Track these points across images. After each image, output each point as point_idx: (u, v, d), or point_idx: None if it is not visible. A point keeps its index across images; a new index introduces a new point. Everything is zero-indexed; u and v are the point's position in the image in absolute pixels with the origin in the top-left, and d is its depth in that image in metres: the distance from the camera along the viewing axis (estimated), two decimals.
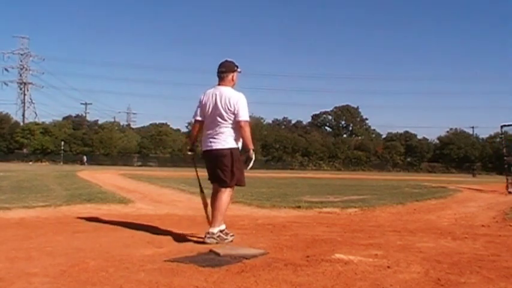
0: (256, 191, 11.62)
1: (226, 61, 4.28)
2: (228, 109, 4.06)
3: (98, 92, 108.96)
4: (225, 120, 4.08)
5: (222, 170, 4.06)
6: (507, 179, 13.14)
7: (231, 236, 4.06)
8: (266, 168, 56.21)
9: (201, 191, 4.42)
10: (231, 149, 4.07)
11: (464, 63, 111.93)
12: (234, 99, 4.08)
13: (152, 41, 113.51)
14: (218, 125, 4.09)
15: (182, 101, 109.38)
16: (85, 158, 56.10)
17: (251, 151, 4.11)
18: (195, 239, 4.11)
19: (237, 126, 4.09)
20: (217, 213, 4.04)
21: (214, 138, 4.10)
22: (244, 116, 4.08)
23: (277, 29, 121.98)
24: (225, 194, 4.07)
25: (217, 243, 3.87)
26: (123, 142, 65.61)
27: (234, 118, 4.07)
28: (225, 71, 4.21)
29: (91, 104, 79.03)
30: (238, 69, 4.28)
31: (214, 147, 4.09)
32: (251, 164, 4.13)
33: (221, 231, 4.01)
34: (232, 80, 4.23)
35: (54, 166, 44.27)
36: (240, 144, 4.16)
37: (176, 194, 10.22)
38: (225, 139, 4.08)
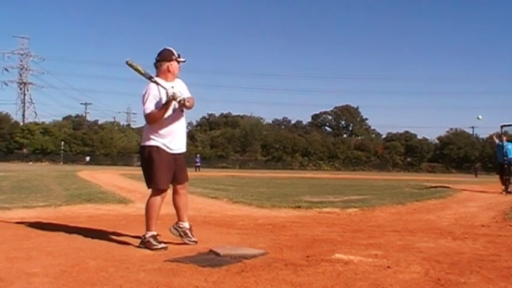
0: (256, 191, 11.64)
1: (164, 49, 3.81)
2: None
3: (98, 92, 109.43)
4: None
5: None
6: (507, 179, 13.11)
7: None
8: (266, 168, 56.34)
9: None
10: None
11: (464, 63, 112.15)
12: (142, 92, 3.73)
13: (151, 40, 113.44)
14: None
15: None
16: (88, 158, 56.32)
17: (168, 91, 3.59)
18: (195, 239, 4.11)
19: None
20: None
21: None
22: (144, 110, 3.66)
23: (277, 29, 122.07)
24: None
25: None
26: (123, 142, 65.62)
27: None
28: (158, 59, 3.78)
29: (91, 104, 79.49)
30: (181, 59, 3.80)
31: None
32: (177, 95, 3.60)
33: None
34: (169, 70, 3.76)
35: (54, 166, 44.27)
36: (157, 142, 3.79)
37: None
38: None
